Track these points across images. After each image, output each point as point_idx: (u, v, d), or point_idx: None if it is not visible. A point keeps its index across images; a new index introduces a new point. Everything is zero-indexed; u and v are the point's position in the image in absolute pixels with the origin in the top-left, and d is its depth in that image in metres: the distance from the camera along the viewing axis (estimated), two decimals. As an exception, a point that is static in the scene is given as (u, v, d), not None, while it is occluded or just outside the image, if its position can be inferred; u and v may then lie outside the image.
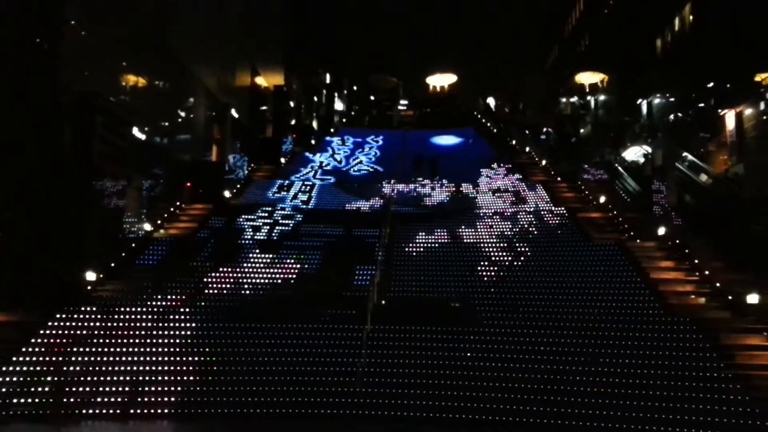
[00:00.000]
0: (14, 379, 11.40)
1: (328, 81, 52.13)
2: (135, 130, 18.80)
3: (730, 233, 16.14)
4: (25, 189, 14.25)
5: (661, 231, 18.19)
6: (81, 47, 16.17)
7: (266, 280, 16.08)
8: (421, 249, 18.27)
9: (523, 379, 11.74)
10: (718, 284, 14.96)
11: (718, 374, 11.52)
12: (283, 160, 31.68)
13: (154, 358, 12.20)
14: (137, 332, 13.03)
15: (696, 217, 18.31)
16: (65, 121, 15.31)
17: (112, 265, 16.13)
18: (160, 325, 13.33)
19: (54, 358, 12.00)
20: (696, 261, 16.21)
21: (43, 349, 12.22)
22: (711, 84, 24.35)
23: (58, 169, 14.90)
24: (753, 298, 13.72)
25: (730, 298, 14.33)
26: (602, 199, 22.29)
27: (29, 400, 10.98)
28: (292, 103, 40.34)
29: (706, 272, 15.57)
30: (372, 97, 63.07)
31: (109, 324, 13.18)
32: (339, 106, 55.21)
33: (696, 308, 14.43)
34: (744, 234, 15.71)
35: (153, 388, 11.44)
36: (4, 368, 11.58)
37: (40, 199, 14.42)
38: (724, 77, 23.19)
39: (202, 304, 14.64)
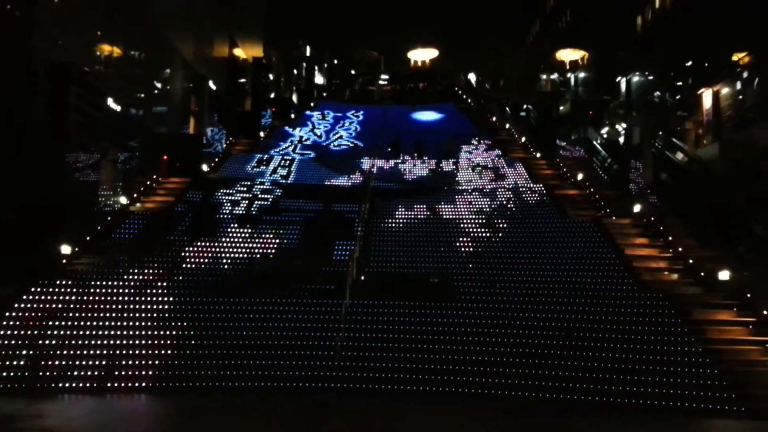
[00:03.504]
0: (-12, 352, 11.30)
1: (308, 54, 51.47)
2: (110, 101, 18.46)
3: (704, 211, 16.42)
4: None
5: (637, 208, 18.41)
6: (54, 15, 15.75)
7: (244, 255, 16.00)
8: (401, 224, 18.30)
9: (499, 353, 11.91)
10: (690, 261, 15.25)
11: (689, 348, 11.80)
12: (262, 134, 31.30)
13: (130, 332, 12.12)
14: (113, 306, 12.92)
15: (671, 194, 18.57)
16: (39, 92, 14.97)
17: (88, 238, 15.94)
18: (137, 299, 13.23)
19: (29, 332, 11.89)
20: (670, 238, 16.48)
21: (18, 323, 12.10)
22: (689, 63, 24.55)
23: (32, 141, 14.59)
24: (724, 275, 14.06)
25: (702, 274, 14.64)
26: (579, 176, 22.46)
27: (4, 374, 10.89)
28: (271, 76, 39.82)
29: (680, 249, 15.86)
30: (353, 71, 62.54)
31: (85, 298, 13.05)
32: (319, 79, 54.66)
33: (669, 284, 14.72)
34: (718, 212, 16.01)
35: (130, 362, 11.39)
36: (-22, 342, 11.45)
37: (13, 171, 14.14)
38: (703, 56, 23.38)
39: (179, 278, 14.56)
